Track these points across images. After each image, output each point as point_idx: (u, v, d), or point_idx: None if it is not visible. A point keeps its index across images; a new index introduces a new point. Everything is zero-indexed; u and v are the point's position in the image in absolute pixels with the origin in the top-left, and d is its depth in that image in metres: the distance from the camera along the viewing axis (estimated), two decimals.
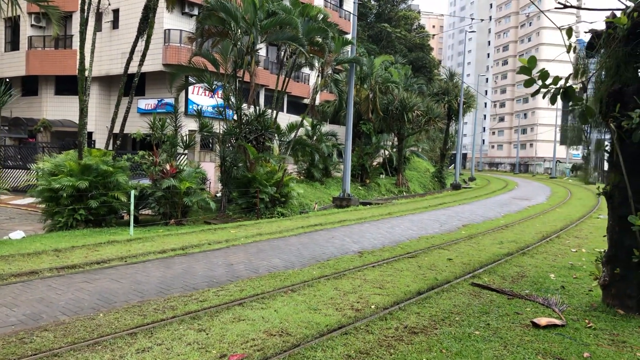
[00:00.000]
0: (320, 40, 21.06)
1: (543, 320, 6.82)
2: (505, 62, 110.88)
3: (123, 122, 17.86)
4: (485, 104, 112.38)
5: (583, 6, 8.63)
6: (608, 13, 8.04)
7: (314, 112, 30.15)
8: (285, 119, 30.88)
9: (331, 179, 30.44)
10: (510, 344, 6.13)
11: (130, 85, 18.55)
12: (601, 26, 8.67)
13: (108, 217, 15.71)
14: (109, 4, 26.76)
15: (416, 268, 10.23)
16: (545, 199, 30.22)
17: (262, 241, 12.66)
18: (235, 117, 21.01)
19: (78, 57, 18.59)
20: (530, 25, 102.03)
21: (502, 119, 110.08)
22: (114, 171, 15.51)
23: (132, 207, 13.99)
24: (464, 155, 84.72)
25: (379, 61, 32.19)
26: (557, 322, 6.86)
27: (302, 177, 28.72)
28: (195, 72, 20.38)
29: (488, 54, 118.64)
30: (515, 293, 8.44)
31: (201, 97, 28.95)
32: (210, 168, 23.98)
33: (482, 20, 51.90)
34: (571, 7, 6.95)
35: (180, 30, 28.33)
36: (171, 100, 28.23)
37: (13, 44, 32.59)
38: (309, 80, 38.58)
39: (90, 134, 29.43)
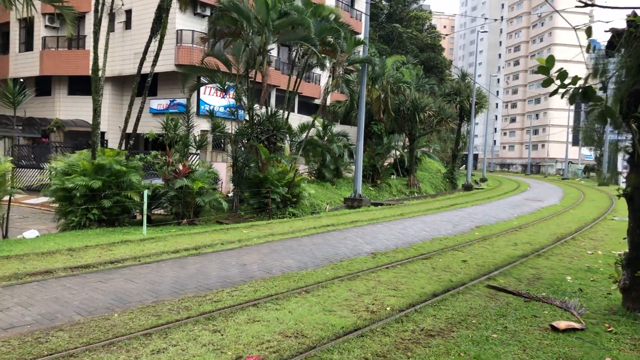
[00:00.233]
0: (332, 40, 21.02)
1: (562, 324, 6.71)
2: (517, 63, 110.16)
3: (136, 122, 17.90)
4: (497, 104, 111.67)
5: (603, 4, 8.48)
6: (628, 11, 7.91)
7: (325, 113, 30.12)
8: (296, 119, 30.86)
9: (342, 179, 30.37)
10: (529, 348, 6.04)
11: (143, 85, 18.60)
12: (621, 25, 8.54)
13: (121, 217, 15.75)
14: (122, 5, 26.87)
15: (430, 270, 10.14)
16: (558, 201, 29.93)
17: (274, 241, 12.62)
18: (246, 118, 21.01)
19: (91, 57, 18.65)
20: (542, 25, 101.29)
21: (513, 120, 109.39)
22: (127, 171, 15.54)
23: (145, 207, 14.00)
24: (475, 156, 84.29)
25: (390, 61, 32.06)
26: (577, 325, 6.75)
27: (313, 177, 28.67)
28: (207, 72, 20.41)
29: (499, 55, 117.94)
30: (532, 295, 8.33)
31: (213, 98, 28.99)
32: (222, 168, 24.01)
33: (496, 20, 51.47)
34: (593, 5, 6.81)
35: (193, 31, 28.38)
36: (183, 101, 28.32)
37: (27, 44, 32.82)
38: (319, 81, 38.53)
39: (102, 133, 29.60)
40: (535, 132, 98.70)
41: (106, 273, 8.82)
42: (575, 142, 79.80)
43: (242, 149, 19.94)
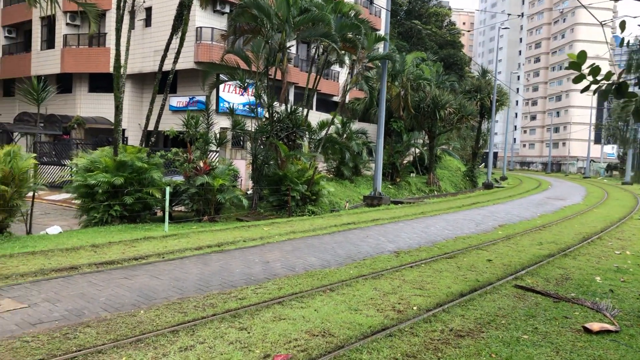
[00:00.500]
0: (352, 36, 20.87)
1: (595, 326, 6.54)
2: (537, 60, 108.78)
3: (158, 119, 17.97)
4: (517, 102, 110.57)
5: None
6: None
7: (344, 110, 30.00)
8: (314, 116, 30.76)
9: (361, 177, 30.23)
10: (562, 350, 5.89)
11: (165, 82, 18.66)
12: None
13: (142, 214, 15.81)
14: (144, 2, 27.02)
15: (455, 269, 9.99)
16: (581, 199, 29.48)
17: (296, 239, 12.55)
18: (265, 115, 20.98)
19: (113, 54, 18.73)
20: (564, 21, 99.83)
21: (534, 118, 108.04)
22: (148, 168, 15.59)
23: (167, 204, 14.03)
24: (495, 154, 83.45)
25: (410, 58, 31.79)
26: (610, 327, 6.57)
27: (331, 175, 28.57)
28: (227, 70, 20.39)
29: (520, 51, 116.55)
30: (561, 296, 8.15)
31: (232, 95, 29.03)
32: (242, 165, 24.02)
33: (519, 16, 50.73)
34: None
35: (212, 28, 28.44)
36: (202, 98, 28.40)
37: (49, 42, 33.18)
38: (338, 78, 38.40)
39: (123, 130, 29.77)
40: (556, 129, 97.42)
41: (130, 269, 8.83)
42: (597, 140, 78.66)
43: (262, 146, 19.91)
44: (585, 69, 8.08)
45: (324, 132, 24.55)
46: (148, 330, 6.03)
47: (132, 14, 18.66)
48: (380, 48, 25.94)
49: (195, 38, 28.06)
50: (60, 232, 13.85)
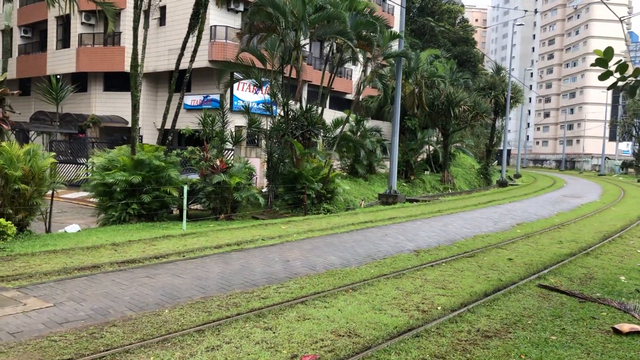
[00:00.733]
0: (368, 34, 20.77)
1: (626, 327, 6.44)
2: (551, 56, 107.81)
3: (175, 117, 18.02)
4: (530, 99, 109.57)
5: None
6: None
7: (358, 108, 29.89)
8: (328, 114, 30.69)
9: (375, 175, 30.12)
10: (593, 352, 5.80)
11: (181, 81, 18.70)
12: None
13: (160, 212, 15.85)
14: (160, 0, 27.09)
15: (477, 268, 9.90)
16: (598, 197, 29.17)
17: (314, 238, 12.52)
18: (280, 113, 20.97)
19: (130, 53, 18.75)
20: (578, 17, 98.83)
21: (547, 115, 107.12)
22: (166, 166, 15.62)
23: (184, 202, 14.06)
24: (508, 152, 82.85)
25: (424, 55, 31.63)
26: None
27: (345, 173, 28.50)
28: (243, 68, 20.40)
29: (533, 48, 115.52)
30: (586, 296, 8.05)
31: (246, 93, 29.08)
32: (256, 163, 24.02)
33: (536, 12, 50.19)
34: None
35: (226, 27, 28.48)
36: (216, 97, 28.49)
37: (64, 41, 33.43)
38: (351, 76, 38.32)
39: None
40: (570, 127, 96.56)
41: (152, 268, 8.84)
42: (612, 138, 77.87)
43: (277, 144, 19.90)
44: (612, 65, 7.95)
45: (338, 130, 24.50)
46: (174, 330, 6.02)
47: (147, 12, 18.64)
48: (394, 46, 25.80)
49: (209, 37, 28.11)
50: (79, 231, 13.92)
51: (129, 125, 30.95)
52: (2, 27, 31.99)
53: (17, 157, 12.17)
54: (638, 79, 7.49)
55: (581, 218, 18.77)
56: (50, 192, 14.20)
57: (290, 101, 20.93)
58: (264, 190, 21.36)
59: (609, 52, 7.52)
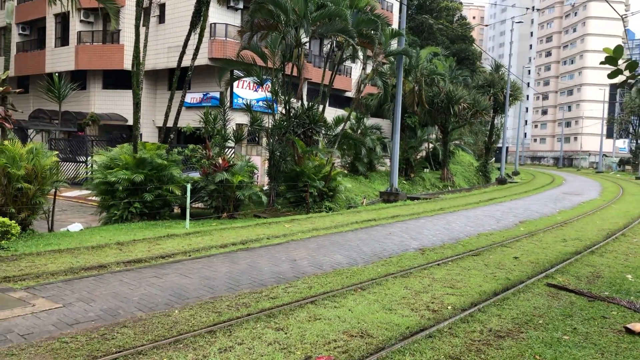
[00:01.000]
0: (370, 32, 20.71)
1: (638, 326, 6.42)
2: (548, 54, 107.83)
3: (177, 115, 17.94)
4: (528, 96, 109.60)
5: None
6: None
7: (358, 105, 29.83)
8: (329, 112, 30.64)
9: (375, 172, 30.11)
10: (607, 352, 5.78)
11: (183, 79, 18.63)
12: None
13: (162, 210, 15.79)
14: None
15: (483, 267, 9.89)
16: (598, 195, 29.21)
17: (319, 236, 12.48)
18: (282, 111, 20.90)
19: (129, 51, 18.70)
20: (575, 15, 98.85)
21: (545, 112, 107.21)
22: (168, 165, 15.56)
23: (188, 201, 14.01)
24: (506, 149, 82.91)
25: (425, 53, 31.60)
26: None
27: (346, 170, 28.47)
28: (244, 66, 20.33)
29: (530, 45, 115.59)
30: (595, 295, 8.04)
31: (245, 91, 28.97)
32: (257, 161, 23.96)
33: (535, 9, 50.15)
34: None
35: (226, 24, 28.36)
36: (216, 94, 28.38)
37: (63, 39, 33.23)
38: (350, 73, 38.23)
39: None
40: (568, 124, 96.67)
41: (159, 268, 8.79)
42: (609, 135, 78.00)
43: (279, 142, 19.84)
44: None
45: (339, 128, 24.45)
46: (185, 331, 5.99)
47: (147, 10, 18.54)
48: (394, 43, 25.74)
49: (209, 34, 27.98)
50: (82, 230, 13.86)
51: (128, 123, 30.91)
52: (3, 25, 31.80)
53: (19, 156, 12.10)
54: None
55: (583, 216, 18.78)
56: (52, 191, 14.14)
57: (292, 99, 20.87)
58: (265, 188, 21.31)
59: (618, 50, 7.49)
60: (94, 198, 19.51)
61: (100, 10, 19.01)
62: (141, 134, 30.62)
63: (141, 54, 15.98)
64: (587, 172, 70.00)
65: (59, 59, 32.94)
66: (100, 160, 15.69)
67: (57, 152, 13.85)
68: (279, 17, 19.04)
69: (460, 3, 72.40)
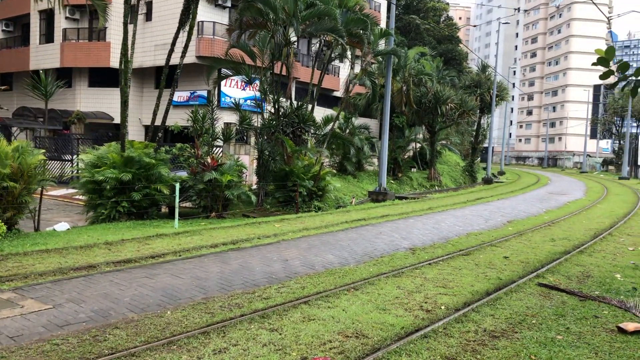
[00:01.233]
0: (359, 31, 20.70)
1: (630, 326, 6.47)
2: (533, 55, 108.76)
3: (165, 114, 17.77)
4: (513, 97, 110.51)
5: None
6: None
7: (347, 105, 29.83)
8: (318, 112, 30.60)
9: (363, 172, 30.13)
10: (601, 351, 5.81)
11: (172, 77, 18.47)
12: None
13: (150, 210, 15.64)
14: None
15: (474, 266, 9.91)
16: (583, 195, 29.51)
17: (310, 236, 12.43)
18: (271, 110, 20.81)
19: (115, 48, 18.45)
20: (560, 16, 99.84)
21: (529, 113, 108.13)
22: (156, 163, 15.41)
23: (177, 200, 13.89)
24: (491, 149, 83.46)
25: (412, 53, 31.69)
26: None
27: (334, 170, 28.45)
28: (232, 64, 20.21)
29: (516, 46, 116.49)
30: (586, 294, 8.09)
31: (233, 89, 28.82)
32: (246, 161, 23.85)
33: (517, 10, 50.52)
34: None
35: (214, 22, 28.18)
36: (203, 92, 28.21)
37: (48, 36, 32.79)
38: (339, 73, 38.20)
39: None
40: (552, 124, 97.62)
41: (150, 268, 8.69)
42: (593, 135, 78.87)
43: (268, 141, 19.75)
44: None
45: (328, 128, 24.42)
46: (178, 332, 5.91)
47: (135, 8, 18.37)
48: (382, 43, 25.76)
49: (196, 32, 27.77)
50: (69, 229, 13.67)
51: (115, 121, 30.58)
52: None
53: (5, 154, 11.90)
54: (639, 78, 7.53)
55: (569, 215, 18.95)
56: (38, 190, 13.93)
57: (281, 98, 20.80)
58: (253, 187, 21.21)
59: (610, 52, 7.54)
60: (80, 197, 19.28)
61: (88, 7, 18.73)
62: (127, 132, 30.41)
63: (129, 52, 15.79)
64: (572, 172, 70.75)
65: (43, 56, 32.49)
66: (87, 158, 15.48)
67: (43, 151, 13.61)
68: (268, 15, 18.96)
69: (447, 4, 72.78)
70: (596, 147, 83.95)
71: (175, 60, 18.97)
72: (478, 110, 40.36)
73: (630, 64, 7.76)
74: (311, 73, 22.55)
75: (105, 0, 13.92)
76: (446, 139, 42.19)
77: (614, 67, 7.82)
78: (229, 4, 29.00)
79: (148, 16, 30.45)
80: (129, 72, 16.09)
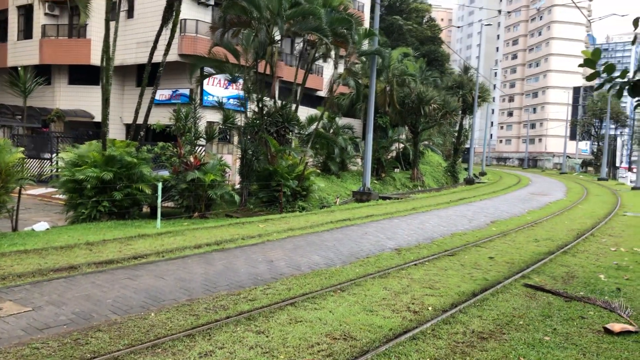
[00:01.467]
0: (344, 31, 20.65)
1: (617, 327, 6.49)
2: (514, 56, 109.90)
3: (147, 112, 17.52)
4: (494, 98, 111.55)
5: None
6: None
7: (331, 105, 29.78)
8: (301, 111, 30.48)
9: (347, 172, 30.10)
10: (588, 352, 5.81)
11: (154, 75, 18.22)
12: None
13: (131, 210, 15.40)
14: None
15: (460, 267, 9.91)
16: (564, 195, 29.83)
17: (295, 237, 12.33)
18: (254, 109, 20.66)
19: (96, 46, 18.11)
20: (541, 19, 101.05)
21: (510, 114, 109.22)
22: (138, 162, 15.19)
23: (159, 200, 13.70)
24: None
25: (396, 54, 31.75)
26: (631, 328, 6.53)
27: (318, 170, 28.37)
28: (216, 63, 20.02)
29: (497, 48, 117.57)
30: (571, 295, 8.12)
31: (216, 88, 28.59)
32: (229, 160, 23.66)
33: (499, 12, 50.99)
34: None
35: (197, 20, 27.91)
36: (185, 91, 27.93)
37: (26, 32, 32.16)
38: (322, 73, 38.13)
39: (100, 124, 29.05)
40: (533, 126, 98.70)
41: (133, 269, 8.52)
42: (572, 137, 79.88)
43: (251, 141, 19.60)
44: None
45: (312, 127, 24.34)
46: (162, 335, 5.78)
47: (117, 4, 18.07)
48: (366, 43, 25.74)
49: (179, 30, 27.46)
50: (48, 229, 13.39)
51: (95, 119, 30.13)
52: None
53: None
54: (625, 80, 7.56)
55: (552, 216, 19.11)
56: (17, 189, 13.63)
57: (265, 97, 20.66)
58: (236, 187, 21.04)
59: (596, 53, 7.57)
60: (59, 196, 18.95)
61: (68, 3, 18.38)
62: (108, 131, 29.97)
63: (111, 49, 15.54)
64: (552, 172, 71.60)
65: (22, 53, 31.86)
66: (67, 157, 15.20)
67: (22, 149, 13.31)
68: (252, 13, 18.82)
69: (430, 5, 73.16)
70: (575, 149, 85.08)
71: (157, 58, 18.71)
72: (460, 111, 40.61)
73: None
74: (295, 72, 22.46)
75: None
76: (429, 140, 42.38)
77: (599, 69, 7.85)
78: (212, 2, 28.76)
79: (130, 13, 30.04)
80: (111, 69, 15.84)
